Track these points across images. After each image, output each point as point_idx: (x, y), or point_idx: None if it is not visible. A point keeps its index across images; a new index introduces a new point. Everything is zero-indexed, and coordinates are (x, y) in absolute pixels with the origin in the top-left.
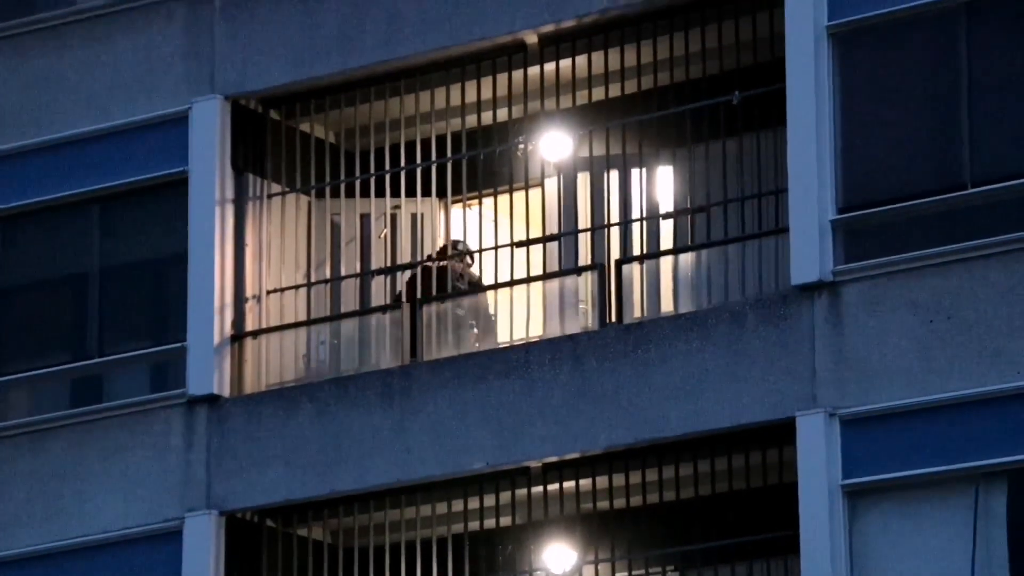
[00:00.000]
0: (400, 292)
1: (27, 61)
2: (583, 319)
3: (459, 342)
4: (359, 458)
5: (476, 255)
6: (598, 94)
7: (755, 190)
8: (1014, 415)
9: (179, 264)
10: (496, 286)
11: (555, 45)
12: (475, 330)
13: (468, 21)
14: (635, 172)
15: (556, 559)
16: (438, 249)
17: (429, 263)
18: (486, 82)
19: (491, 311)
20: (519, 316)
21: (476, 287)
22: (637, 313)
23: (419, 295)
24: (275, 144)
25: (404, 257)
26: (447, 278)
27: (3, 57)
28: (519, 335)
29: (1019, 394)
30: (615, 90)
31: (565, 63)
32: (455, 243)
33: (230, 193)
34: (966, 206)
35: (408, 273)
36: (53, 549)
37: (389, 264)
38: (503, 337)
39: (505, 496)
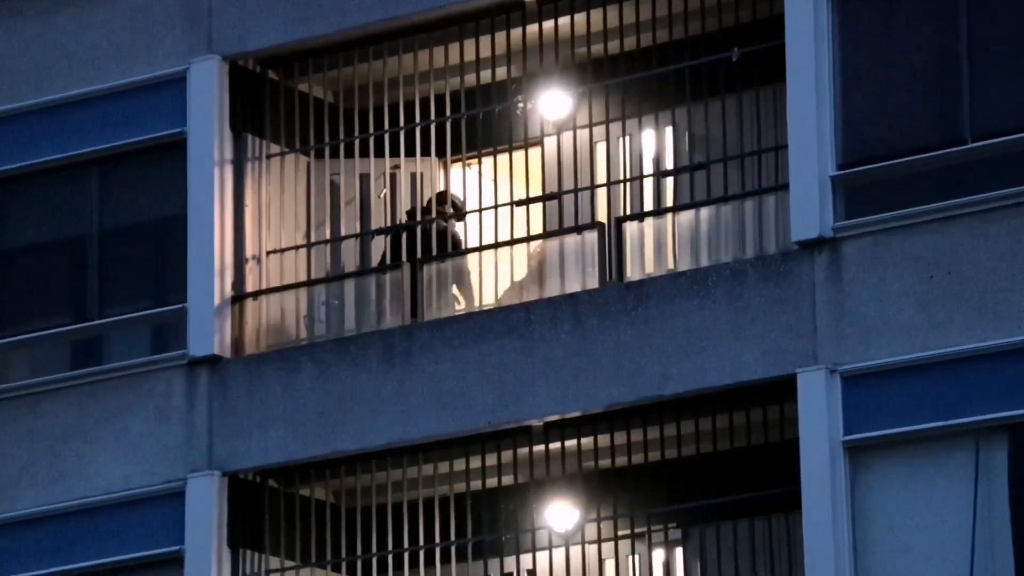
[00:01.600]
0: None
1: (23, 22)
2: (589, 280)
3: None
4: (360, 418)
5: (463, 209)
6: (597, 52)
7: (755, 147)
8: (1015, 370)
9: (178, 225)
10: (496, 245)
11: (553, 3)
12: (454, 291)
13: None
14: (634, 130)
15: (558, 517)
16: (425, 204)
17: (412, 221)
18: (485, 40)
19: (471, 271)
20: (519, 275)
21: (457, 245)
22: (638, 271)
23: (406, 254)
24: (274, 104)
25: (404, 217)
26: (431, 235)
27: (0, 19)
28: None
29: (1020, 349)
30: (614, 48)
31: (564, 21)
32: (440, 196)
33: (229, 154)
34: (966, 161)
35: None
36: (55, 511)
37: (389, 224)
38: (501, 297)
39: (506, 455)
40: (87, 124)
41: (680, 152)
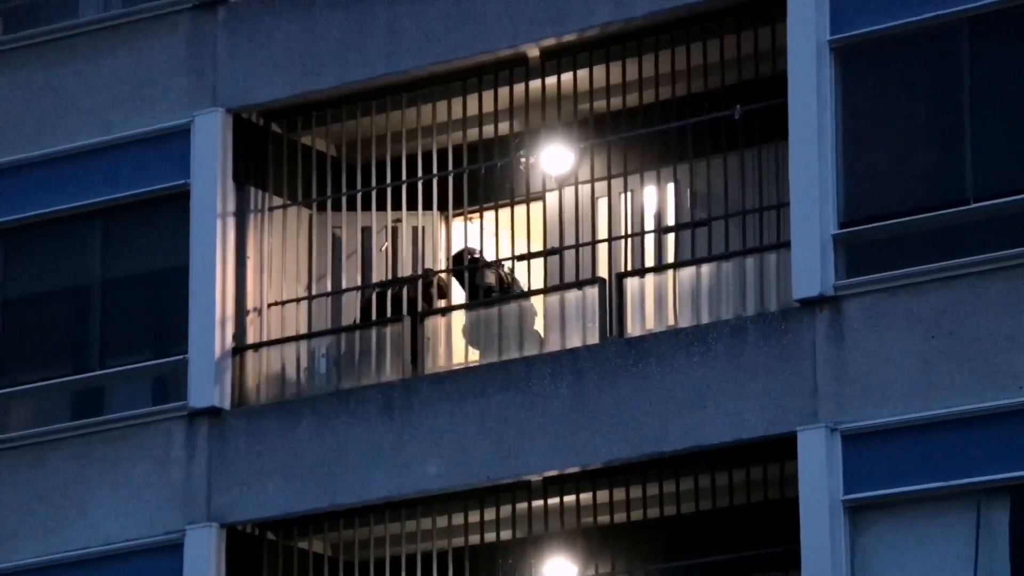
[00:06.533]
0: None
1: (30, 74)
2: (589, 335)
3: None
4: (359, 471)
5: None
6: (600, 108)
7: (756, 204)
8: (1016, 431)
9: (180, 277)
10: (498, 300)
11: (557, 59)
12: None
13: (469, 34)
14: (636, 185)
15: (556, 573)
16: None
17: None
18: (487, 95)
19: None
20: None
21: (475, 297)
22: (638, 327)
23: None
24: (276, 157)
25: (405, 270)
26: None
27: (6, 69)
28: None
29: (1021, 410)
30: (616, 104)
31: (567, 77)
32: (458, 255)
33: (231, 206)
34: (968, 221)
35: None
36: (54, 561)
37: (390, 277)
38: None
39: (505, 510)
40: (91, 176)
41: (681, 208)
